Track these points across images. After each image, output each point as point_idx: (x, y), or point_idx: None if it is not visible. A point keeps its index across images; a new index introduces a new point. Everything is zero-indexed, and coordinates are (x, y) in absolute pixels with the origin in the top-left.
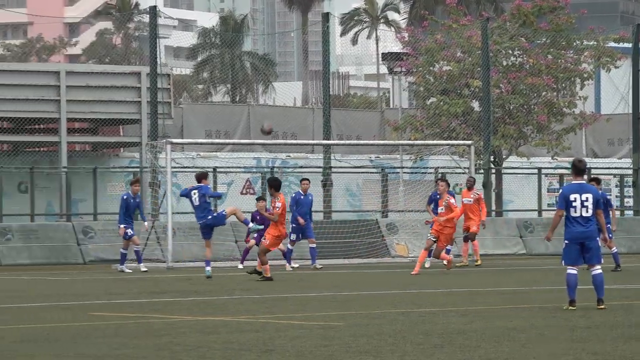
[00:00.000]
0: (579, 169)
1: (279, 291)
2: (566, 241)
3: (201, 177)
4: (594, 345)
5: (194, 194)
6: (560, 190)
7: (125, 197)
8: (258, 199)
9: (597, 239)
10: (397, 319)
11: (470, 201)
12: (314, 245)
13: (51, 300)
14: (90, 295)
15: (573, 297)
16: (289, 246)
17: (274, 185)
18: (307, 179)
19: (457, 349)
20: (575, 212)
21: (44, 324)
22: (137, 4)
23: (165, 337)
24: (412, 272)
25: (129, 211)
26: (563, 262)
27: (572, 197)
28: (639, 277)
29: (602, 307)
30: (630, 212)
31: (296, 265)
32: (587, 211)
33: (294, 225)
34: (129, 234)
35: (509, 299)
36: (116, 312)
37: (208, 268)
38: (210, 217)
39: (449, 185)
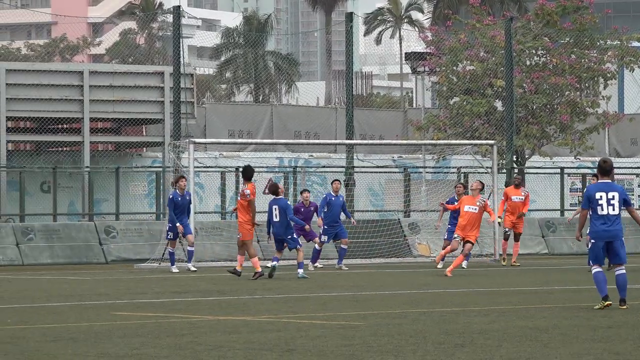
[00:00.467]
0: (604, 169)
1: (301, 291)
2: (592, 240)
3: (275, 189)
4: (616, 345)
5: (275, 209)
6: (586, 189)
7: (171, 196)
8: (302, 192)
9: (622, 238)
10: (419, 318)
11: (521, 199)
12: (346, 247)
13: (73, 300)
14: (112, 294)
15: (606, 293)
16: (317, 247)
17: (244, 174)
18: (339, 180)
19: (478, 349)
20: (602, 210)
21: (66, 324)
22: (160, 4)
23: (186, 337)
24: (446, 273)
25: (180, 209)
26: (590, 261)
27: (597, 195)
28: None
29: (625, 307)
30: None
31: (320, 266)
32: (613, 209)
33: (325, 227)
34: (169, 235)
35: (530, 299)
36: (138, 312)
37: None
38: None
39: (483, 185)
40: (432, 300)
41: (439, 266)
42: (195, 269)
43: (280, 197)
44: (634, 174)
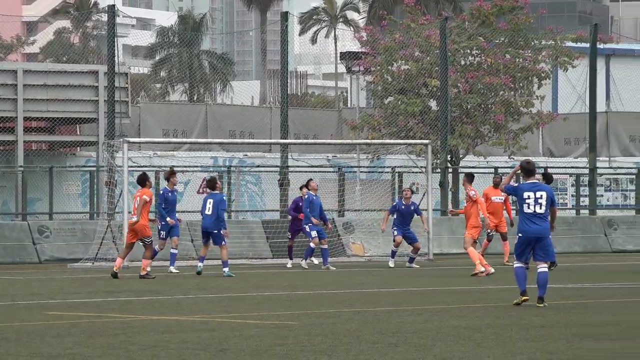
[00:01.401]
0: (527, 170)
1: (234, 290)
2: (519, 234)
3: (213, 184)
4: (549, 345)
5: (209, 202)
6: (517, 184)
7: (161, 192)
8: (301, 188)
9: (549, 237)
10: (352, 318)
11: (501, 199)
12: (326, 246)
13: (6, 300)
14: (45, 294)
15: (524, 288)
16: (312, 244)
17: (139, 180)
18: (311, 178)
19: (411, 348)
20: (529, 208)
21: None
22: (95, 3)
23: (120, 337)
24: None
25: (170, 206)
26: (515, 255)
27: (525, 194)
28: (593, 276)
29: (542, 305)
30: (586, 212)
31: (306, 265)
32: (540, 208)
33: (310, 224)
34: (162, 235)
35: (464, 298)
36: (71, 312)
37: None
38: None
39: (473, 177)
40: (366, 299)
41: (390, 264)
42: (177, 272)
43: (216, 192)
44: (567, 173)
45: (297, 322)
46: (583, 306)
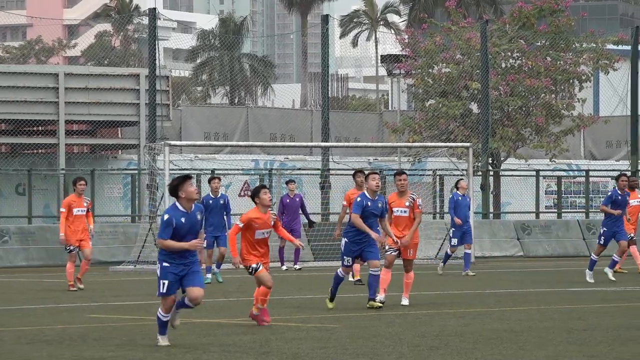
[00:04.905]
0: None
1: (275, 293)
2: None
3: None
4: (590, 348)
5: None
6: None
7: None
8: (288, 182)
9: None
10: (394, 321)
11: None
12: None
13: (49, 302)
14: (87, 297)
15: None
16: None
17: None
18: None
19: (453, 351)
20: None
21: (41, 326)
22: (136, 6)
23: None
24: None
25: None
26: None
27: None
28: (633, 279)
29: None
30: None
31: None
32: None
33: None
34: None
35: (506, 301)
36: (113, 314)
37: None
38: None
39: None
40: (409, 302)
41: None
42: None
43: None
44: (609, 176)
45: (338, 325)
46: (626, 309)
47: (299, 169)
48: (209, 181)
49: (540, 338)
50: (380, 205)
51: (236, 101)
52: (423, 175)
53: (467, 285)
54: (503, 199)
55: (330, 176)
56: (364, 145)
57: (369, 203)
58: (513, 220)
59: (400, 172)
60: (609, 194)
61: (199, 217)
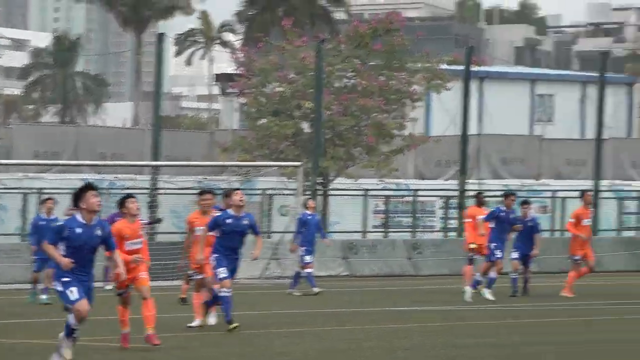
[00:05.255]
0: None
1: (93, 314)
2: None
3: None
4: None
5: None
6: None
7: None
8: (202, 193)
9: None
10: (220, 341)
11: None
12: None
13: None
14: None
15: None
16: (308, 270)
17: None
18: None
19: None
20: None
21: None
22: None
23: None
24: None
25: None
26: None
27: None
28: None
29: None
30: (454, 234)
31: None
32: None
33: (307, 248)
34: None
35: (331, 321)
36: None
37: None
38: None
39: None
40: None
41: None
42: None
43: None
44: (437, 195)
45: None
46: (449, 328)
47: (127, 189)
48: (44, 202)
49: (365, 358)
50: (245, 222)
51: (68, 120)
52: (252, 195)
53: (294, 305)
54: (331, 218)
55: (159, 195)
56: (193, 165)
57: (230, 220)
58: (340, 239)
59: (203, 192)
60: (492, 210)
61: (98, 232)
